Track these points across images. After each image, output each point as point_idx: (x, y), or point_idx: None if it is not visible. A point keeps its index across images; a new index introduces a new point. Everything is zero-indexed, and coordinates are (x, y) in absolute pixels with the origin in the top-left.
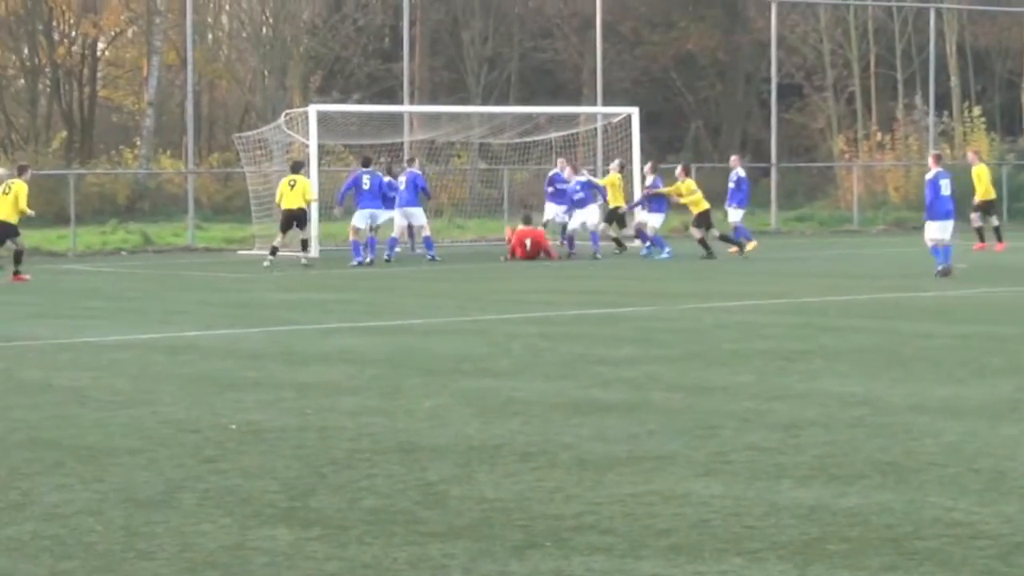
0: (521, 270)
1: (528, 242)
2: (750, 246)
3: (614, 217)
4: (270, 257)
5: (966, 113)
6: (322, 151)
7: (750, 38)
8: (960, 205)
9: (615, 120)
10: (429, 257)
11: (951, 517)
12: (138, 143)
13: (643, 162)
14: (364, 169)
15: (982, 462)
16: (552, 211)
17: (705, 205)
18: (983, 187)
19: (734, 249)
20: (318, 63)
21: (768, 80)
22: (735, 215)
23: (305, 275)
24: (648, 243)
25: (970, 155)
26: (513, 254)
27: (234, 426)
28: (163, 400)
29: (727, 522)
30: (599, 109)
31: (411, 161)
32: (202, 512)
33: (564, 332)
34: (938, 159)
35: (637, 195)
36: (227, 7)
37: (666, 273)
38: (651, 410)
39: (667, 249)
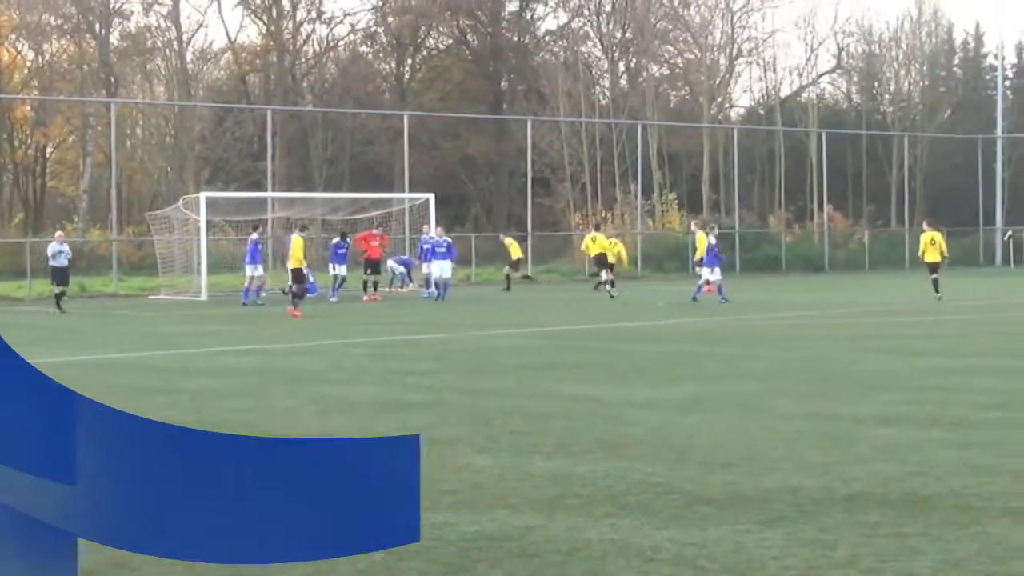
0: (352, 311)
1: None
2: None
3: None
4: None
5: (664, 197)
6: (209, 225)
7: (513, 144)
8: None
9: (418, 203)
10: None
11: (652, 479)
12: (76, 219)
13: (440, 234)
14: (254, 234)
15: (674, 440)
16: (439, 268)
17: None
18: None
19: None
20: (207, 162)
21: (525, 174)
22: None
23: (203, 312)
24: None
25: (693, 224)
26: (364, 248)
27: None
28: None
29: (496, 485)
30: (406, 195)
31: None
32: None
33: (382, 353)
34: (702, 225)
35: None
36: (140, 123)
37: (453, 309)
38: (443, 407)
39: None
